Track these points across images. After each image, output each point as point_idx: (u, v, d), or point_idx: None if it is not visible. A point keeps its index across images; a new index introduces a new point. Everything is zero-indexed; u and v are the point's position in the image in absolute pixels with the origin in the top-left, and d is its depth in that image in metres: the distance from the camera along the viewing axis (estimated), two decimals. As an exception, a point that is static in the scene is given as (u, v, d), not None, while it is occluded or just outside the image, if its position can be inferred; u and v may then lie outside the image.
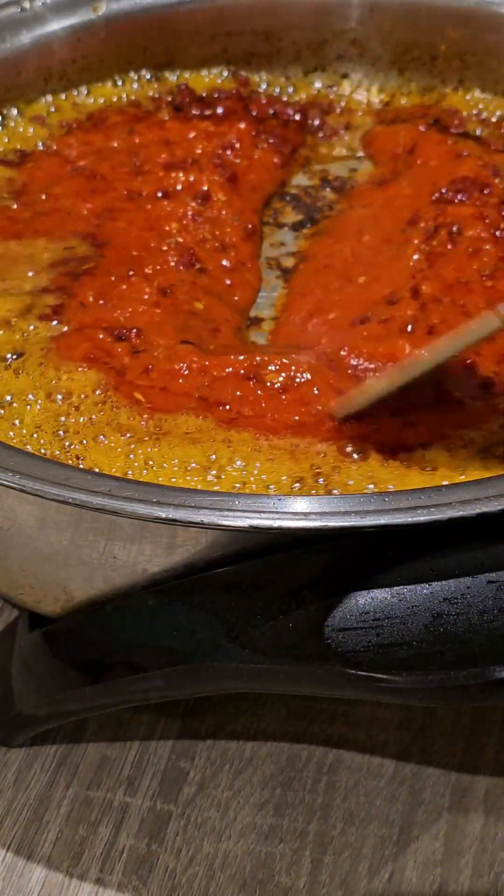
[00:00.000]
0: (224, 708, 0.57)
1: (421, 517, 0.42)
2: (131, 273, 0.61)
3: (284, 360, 0.55)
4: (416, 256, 0.62)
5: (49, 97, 0.74)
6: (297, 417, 0.53)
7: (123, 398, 0.53)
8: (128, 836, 0.53)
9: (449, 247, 0.62)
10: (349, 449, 0.51)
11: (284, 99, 0.77)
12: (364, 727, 0.56)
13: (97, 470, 0.50)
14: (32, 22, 0.73)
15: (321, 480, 0.49)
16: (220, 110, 0.74)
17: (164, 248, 0.64)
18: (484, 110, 0.75)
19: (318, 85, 0.78)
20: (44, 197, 0.67)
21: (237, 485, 0.49)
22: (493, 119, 0.74)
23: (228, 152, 0.70)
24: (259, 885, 0.51)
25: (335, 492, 0.49)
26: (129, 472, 0.50)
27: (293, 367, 0.55)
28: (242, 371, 0.55)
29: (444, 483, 0.48)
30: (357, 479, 0.50)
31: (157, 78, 0.76)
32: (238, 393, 0.54)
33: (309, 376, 0.54)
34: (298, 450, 0.51)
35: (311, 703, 0.57)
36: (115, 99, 0.75)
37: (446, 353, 0.51)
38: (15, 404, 0.53)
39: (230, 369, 0.55)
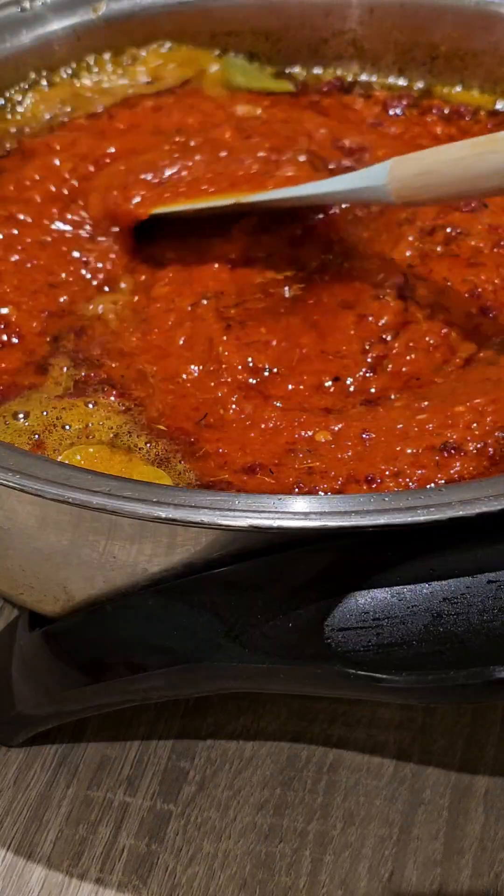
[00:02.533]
0: (224, 708, 0.57)
1: (421, 517, 0.42)
2: None
3: None
4: (408, 253, 0.62)
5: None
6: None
7: None
8: (128, 836, 0.53)
9: (440, 249, 0.62)
10: None
11: None
12: (364, 727, 0.56)
13: None
14: (32, 22, 0.73)
15: None
16: None
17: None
18: (482, 110, 0.75)
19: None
20: None
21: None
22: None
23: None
24: (259, 884, 0.51)
25: None
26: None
27: None
28: None
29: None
30: None
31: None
32: None
33: None
34: None
35: (311, 703, 0.57)
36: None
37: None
38: None
39: None
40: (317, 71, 0.78)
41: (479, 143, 0.55)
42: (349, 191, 0.61)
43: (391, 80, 0.77)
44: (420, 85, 0.77)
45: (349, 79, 0.77)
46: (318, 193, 0.62)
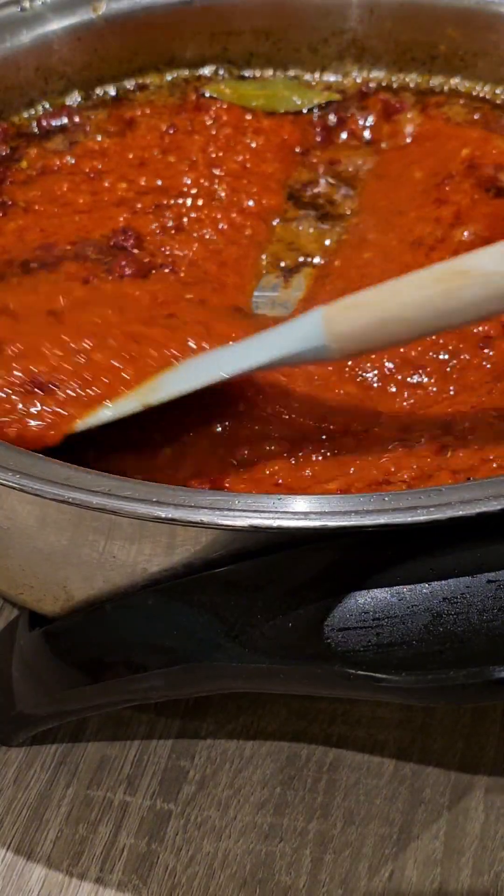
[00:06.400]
0: (224, 708, 0.57)
1: (421, 517, 0.42)
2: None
3: None
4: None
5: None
6: None
7: None
8: (128, 836, 0.53)
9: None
10: None
11: None
12: (364, 727, 0.56)
13: None
14: (32, 22, 0.73)
15: None
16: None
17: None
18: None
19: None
20: None
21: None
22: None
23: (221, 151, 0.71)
24: (259, 884, 0.51)
25: None
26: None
27: None
28: None
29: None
30: None
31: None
32: None
33: None
34: None
35: (311, 702, 0.57)
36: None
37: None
38: None
39: None
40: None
41: (442, 277, 0.48)
42: (281, 358, 0.51)
43: (394, 78, 0.77)
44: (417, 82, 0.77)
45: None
46: (244, 368, 0.52)
